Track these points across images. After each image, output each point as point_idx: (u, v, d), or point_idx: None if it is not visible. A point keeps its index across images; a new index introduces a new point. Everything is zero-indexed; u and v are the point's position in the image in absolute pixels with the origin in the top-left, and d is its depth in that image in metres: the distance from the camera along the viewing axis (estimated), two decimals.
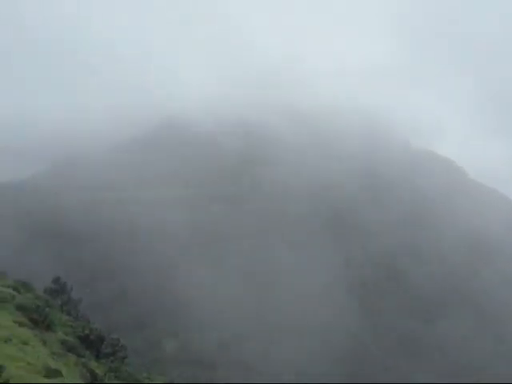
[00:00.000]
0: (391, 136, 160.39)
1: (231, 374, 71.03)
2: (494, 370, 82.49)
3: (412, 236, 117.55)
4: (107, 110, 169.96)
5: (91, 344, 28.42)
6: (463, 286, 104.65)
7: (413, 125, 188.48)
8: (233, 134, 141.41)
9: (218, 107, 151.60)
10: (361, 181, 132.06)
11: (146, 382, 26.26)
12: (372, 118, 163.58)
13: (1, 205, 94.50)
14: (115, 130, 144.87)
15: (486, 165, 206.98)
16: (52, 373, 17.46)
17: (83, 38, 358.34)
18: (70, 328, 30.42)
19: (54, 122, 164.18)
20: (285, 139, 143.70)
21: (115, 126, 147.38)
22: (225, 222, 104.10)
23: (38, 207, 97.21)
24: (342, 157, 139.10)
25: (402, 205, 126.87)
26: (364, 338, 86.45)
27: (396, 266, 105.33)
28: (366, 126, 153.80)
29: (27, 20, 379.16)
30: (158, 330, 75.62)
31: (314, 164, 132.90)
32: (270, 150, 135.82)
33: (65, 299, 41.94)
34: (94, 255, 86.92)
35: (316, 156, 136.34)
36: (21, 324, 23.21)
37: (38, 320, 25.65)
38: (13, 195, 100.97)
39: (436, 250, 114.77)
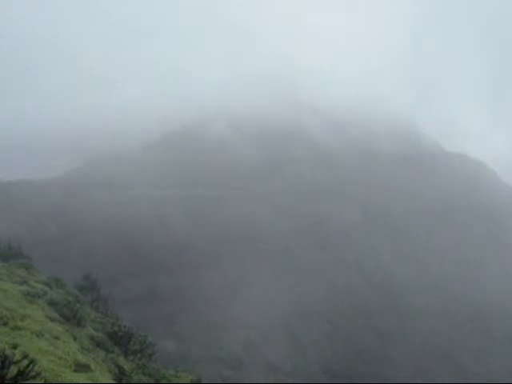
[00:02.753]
0: (419, 136, 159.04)
1: (257, 373, 71.24)
2: None
3: (446, 240, 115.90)
4: (137, 110, 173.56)
5: (119, 340, 28.84)
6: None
7: (440, 126, 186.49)
8: (256, 134, 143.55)
9: (238, 107, 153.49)
10: (391, 182, 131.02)
11: (173, 379, 26.25)
12: (399, 119, 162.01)
13: (33, 201, 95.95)
14: (145, 129, 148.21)
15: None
16: (81, 367, 17.98)
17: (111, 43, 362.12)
18: (100, 324, 31.25)
19: (87, 121, 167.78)
20: (311, 139, 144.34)
21: (145, 126, 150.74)
22: (253, 222, 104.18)
23: (69, 204, 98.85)
24: (371, 157, 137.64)
25: (436, 207, 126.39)
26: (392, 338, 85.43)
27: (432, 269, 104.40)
28: (394, 127, 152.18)
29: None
30: (186, 328, 75.23)
31: (341, 164, 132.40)
32: (298, 149, 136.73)
33: (94, 296, 42.79)
34: (125, 252, 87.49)
35: (344, 156, 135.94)
36: (52, 319, 23.83)
37: (69, 315, 26.27)
38: (45, 192, 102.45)
39: None
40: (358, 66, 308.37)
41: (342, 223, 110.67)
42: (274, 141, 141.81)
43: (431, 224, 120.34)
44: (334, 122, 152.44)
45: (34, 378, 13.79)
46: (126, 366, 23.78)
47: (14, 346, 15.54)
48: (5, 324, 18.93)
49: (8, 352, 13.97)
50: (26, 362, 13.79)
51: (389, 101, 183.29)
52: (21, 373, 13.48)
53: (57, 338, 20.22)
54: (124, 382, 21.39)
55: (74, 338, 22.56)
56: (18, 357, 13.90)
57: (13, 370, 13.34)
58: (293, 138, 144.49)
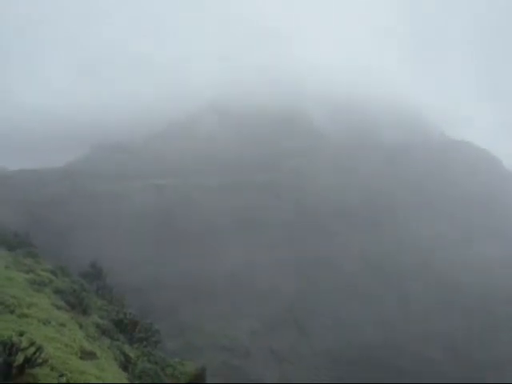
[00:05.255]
0: (423, 124, 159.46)
1: (262, 362, 71.55)
2: None
3: (450, 228, 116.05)
4: (146, 97, 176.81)
5: (125, 328, 29.11)
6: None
7: (443, 113, 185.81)
8: (271, 121, 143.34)
9: (256, 93, 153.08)
10: (398, 170, 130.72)
11: (178, 367, 26.44)
12: (405, 108, 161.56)
13: (34, 191, 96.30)
14: (154, 117, 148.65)
15: None
16: (87, 354, 18.24)
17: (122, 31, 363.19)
18: (105, 312, 31.59)
19: (93, 109, 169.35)
20: (320, 129, 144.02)
21: (153, 114, 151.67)
22: (262, 210, 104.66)
23: (71, 195, 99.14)
24: (378, 146, 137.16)
25: (441, 196, 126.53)
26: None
27: (434, 257, 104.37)
28: (397, 114, 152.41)
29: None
30: (192, 316, 75.73)
31: (342, 153, 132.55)
32: (298, 138, 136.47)
33: (100, 284, 43.38)
34: (130, 241, 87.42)
35: (346, 145, 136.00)
36: (58, 307, 24.12)
37: (75, 303, 26.59)
38: (50, 181, 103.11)
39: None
40: (357, 52, 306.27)
41: (344, 212, 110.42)
42: (272, 130, 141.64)
43: (433, 213, 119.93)
44: (334, 109, 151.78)
45: (40, 364, 13.98)
46: (132, 354, 24.00)
47: (21, 334, 15.60)
48: (11, 312, 19.14)
49: (15, 339, 14.12)
50: (32, 349, 13.94)
51: (391, 87, 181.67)
52: (28, 360, 13.68)
53: (63, 325, 20.40)
54: (129, 369, 21.60)
55: (80, 326, 22.81)
56: (24, 344, 14.05)
57: (20, 357, 13.49)
58: (292, 127, 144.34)
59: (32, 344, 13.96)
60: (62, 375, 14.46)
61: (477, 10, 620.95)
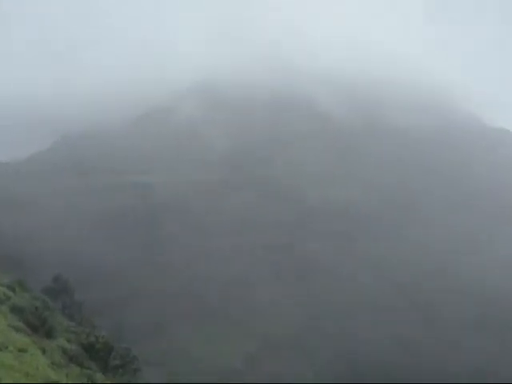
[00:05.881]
0: (449, 107, 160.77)
1: None
2: None
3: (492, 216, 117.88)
4: (121, 80, 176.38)
5: (97, 354, 28.99)
6: None
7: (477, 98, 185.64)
8: (267, 104, 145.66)
9: (250, 80, 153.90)
10: (417, 160, 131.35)
11: None
12: (424, 88, 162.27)
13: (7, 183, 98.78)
14: (126, 106, 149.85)
15: None
16: None
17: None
18: (73, 334, 31.35)
19: (61, 96, 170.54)
20: (316, 111, 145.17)
21: (125, 103, 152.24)
22: (258, 211, 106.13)
23: (32, 191, 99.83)
24: (388, 132, 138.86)
25: (479, 183, 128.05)
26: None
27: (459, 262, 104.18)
28: (418, 97, 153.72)
29: None
30: (177, 337, 75.52)
31: (353, 141, 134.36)
32: (301, 123, 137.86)
33: (66, 301, 44.19)
34: (102, 249, 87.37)
35: (356, 132, 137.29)
36: (17, 329, 23.89)
37: (37, 324, 26.38)
38: (6, 176, 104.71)
39: None
40: (367, 27, 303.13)
41: (352, 210, 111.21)
42: (268, 114, 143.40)
43: (459, 209, 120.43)
44: (341, 90, 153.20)
45: None
46: None
47: None
48: None
49: None
50: None
51: (411, 65, 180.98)
52: None
53: (23, 351, 20.24)
54: None
55: (44, 351, 22.65)
56: None
57: None
58: (293, 110, 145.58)
59: None
60: None
61: None
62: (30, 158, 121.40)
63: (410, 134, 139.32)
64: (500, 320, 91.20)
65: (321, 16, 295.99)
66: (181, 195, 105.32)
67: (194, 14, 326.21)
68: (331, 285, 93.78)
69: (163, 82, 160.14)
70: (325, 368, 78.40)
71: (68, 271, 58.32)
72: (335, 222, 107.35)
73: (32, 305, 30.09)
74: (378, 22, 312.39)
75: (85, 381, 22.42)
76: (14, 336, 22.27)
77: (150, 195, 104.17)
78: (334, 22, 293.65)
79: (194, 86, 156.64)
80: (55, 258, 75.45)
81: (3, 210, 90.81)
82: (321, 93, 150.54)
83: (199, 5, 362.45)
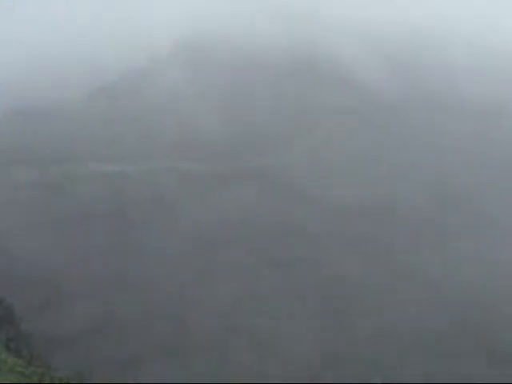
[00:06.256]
0: None
1: None
2: None
3: None
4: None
5: None
6: None
7: None
8: (273, 74, 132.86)
9: (253, 37, 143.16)
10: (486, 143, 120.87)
11: None
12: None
13: None
14: (92, 73, 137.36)
15: None
16: None
17: None
18: (21, 376, 30.19)
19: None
20: (347, 78, 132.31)
21: (90, 70, 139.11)
22: (255, 213, 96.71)
23: None
24: (442, 108, 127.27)
25: None
26: None
27: None
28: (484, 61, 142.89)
29: None
30: (157, 373, 69.41)
31: (396, 119, 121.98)
32: (327, 95, 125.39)
33: (11, 332, 42.96)
34: (59, 261, 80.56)
35: (401, 106, 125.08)
36: None
37: None
38: None
39: None
40: None
41: (391, 211, 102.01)
42: (286, 83, 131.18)
43: None
44: (383, 49, 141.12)
45: None
46: None
47: None
48: None
49: None
50: None
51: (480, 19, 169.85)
52: None
53: None
54: None
55: None
56: None
57: None
58: (313, 78, 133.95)
59: None
60: None
61: None
62: None
63: (475, 108, 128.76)
64: None
65: None
66: (159, 189, 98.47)
67: None
68: (361, 311, 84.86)
69: (137, 40, 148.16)
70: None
71: (14, 291, 58.16)
72: (368, 226, 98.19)
73: None
74: None
75: None
76: None
77: (121, 189, 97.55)
78: None
79: (177, 47, 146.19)
80: None
81: None
82: (351, 53, 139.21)
83: None
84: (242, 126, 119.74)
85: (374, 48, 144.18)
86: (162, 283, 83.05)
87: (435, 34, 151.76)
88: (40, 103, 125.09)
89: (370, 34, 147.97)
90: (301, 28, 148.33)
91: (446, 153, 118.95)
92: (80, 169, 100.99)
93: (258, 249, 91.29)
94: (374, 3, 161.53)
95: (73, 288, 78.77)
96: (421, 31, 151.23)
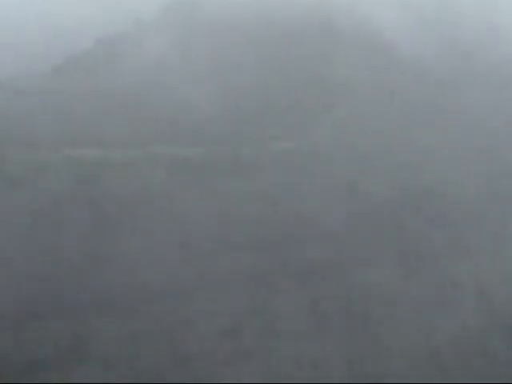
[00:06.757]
0: None
1: None
2: None
3: None
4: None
5: None
6: None
7: None
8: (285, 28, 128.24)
9: None
10: None
11: None
12: None
13: None
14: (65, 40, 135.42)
15: None
16: None
17: None
18: None
19: None
20: (386, 43, 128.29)
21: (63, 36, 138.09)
22: (257, 197, 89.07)
23: None
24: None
25: None
26: None
27: None
28: None
29: None
30: None
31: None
32: (366, 65, 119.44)
33: None
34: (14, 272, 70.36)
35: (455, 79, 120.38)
36: None
37: None
38: None
39: None
40: None
41: (431, 205, 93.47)
42: (287, 43, 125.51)
43: None
44: (421, 15, 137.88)
45: None
46: None
47: None
48: None
49: None
50: None
51: None
52: None
53: None
54: None
55: None
56: None
57: None
58: (330, 39, 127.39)
59: None
60: None
61: None
62: None
63: None
64: None
65: None
66: (145, 180, 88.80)
67: None
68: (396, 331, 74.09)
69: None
70: None
71: None
72: (408, 222, 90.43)
73: None
74: None
75: None
76: None
77: (98, 179, 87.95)
78: None
79: (165, 6, 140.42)
80: None
81: None
82: (376, 11, 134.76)
83: None
84: (245, 103, 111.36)
85: (409, 7, 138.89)
86: (148, 299, 72.19)
87: None
88: (0, 77, 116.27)
89: None
90: None
91: (498, 133, 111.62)
92: (48, 155, 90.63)
93: (269, 252, 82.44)
94: None
95: (38, 305, 67.94)
96: None
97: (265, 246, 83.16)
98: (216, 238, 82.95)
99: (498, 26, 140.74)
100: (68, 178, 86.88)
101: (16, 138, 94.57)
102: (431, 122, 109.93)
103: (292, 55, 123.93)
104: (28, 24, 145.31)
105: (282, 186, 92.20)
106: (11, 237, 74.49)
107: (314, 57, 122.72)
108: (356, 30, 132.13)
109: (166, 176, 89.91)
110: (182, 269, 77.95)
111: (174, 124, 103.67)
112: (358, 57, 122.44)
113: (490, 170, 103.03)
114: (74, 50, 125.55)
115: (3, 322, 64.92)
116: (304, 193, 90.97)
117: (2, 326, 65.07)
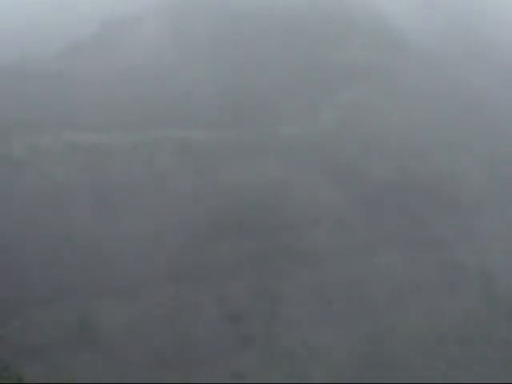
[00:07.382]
0: None
1: None
2: None
3: None
4: None
5: None
6: None
7: None
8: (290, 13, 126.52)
9: None
10: None
11: None
12: None
13: None
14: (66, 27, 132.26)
15: None
16: None
17: None
18: None
19: None
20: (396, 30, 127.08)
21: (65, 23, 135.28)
22: (276, 194, 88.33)
23: None
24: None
25: None
26: None
27: None
28: None
29: None
30: None
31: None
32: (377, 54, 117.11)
33: None
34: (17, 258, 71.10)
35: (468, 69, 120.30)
36: None
37: None
38: None
39: None
40: None
41: (447, 194, 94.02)
42: (292, 29, 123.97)
43: None
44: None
45: None
46: None
47: None
48: None
49: None
50: None
51: None
52: None
53: None
54: None
55: None
56: None
57: None
58: (342, 28, 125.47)
59: None
60: None
61: None
62: None
63: None
64: None
65: None
66: (150, 165, 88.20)
67: None
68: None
69: None
70: None
71: None
72: (418, 210, 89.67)
73: None
74: None
75: None
76: None
77: (99, 164, 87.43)
78: None
79: None
80: None
81: None
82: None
83: None
84: (250, 88, 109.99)
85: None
86: (152, 287, 73.87)
87: None
88: (3, 62, 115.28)
89: None
90: None
91: (504, 120, 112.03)
92: (51, 140, 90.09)
93: (277, 239, 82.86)
94: None
95: (40, 291, 69.67)
96: None
97: (267, 230, 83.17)
98: (220, 222, 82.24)
99: (504, 11, 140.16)
100: (70, 163, 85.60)
101: (20, 122, 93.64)
102: (437, 109, 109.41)
103: (298, 41, 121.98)
104: (32, 10, 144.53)
105: (287, 170, 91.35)
106: (15, 220, 74.26)
107: (320, 42, 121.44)
108: (365, 17, 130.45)
109: (169, 159, 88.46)
110: (184, 252, 77.89)
111: (178, 106, 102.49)
112: (366, 43, 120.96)
113: (494, 154, 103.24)
114: (77, 36, 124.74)
115: (6, 306, 64.68)
116: (308, 177, 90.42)
117: (5, 310, 64.53)
